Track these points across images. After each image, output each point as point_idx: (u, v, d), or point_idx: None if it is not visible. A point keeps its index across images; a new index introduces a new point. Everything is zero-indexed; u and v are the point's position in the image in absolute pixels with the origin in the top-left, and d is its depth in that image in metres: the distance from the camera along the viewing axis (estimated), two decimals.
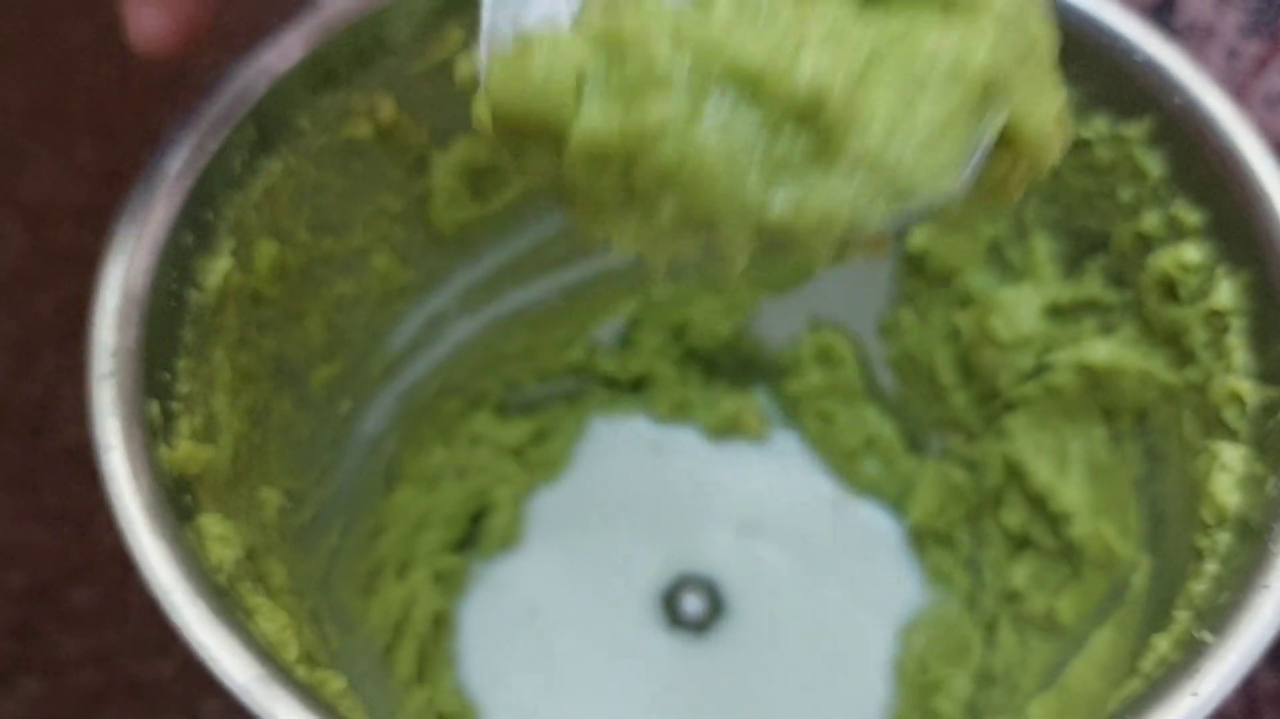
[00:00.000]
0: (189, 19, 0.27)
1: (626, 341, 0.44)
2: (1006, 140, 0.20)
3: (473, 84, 0.21)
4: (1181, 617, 0.26)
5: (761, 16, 0.19)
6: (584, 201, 0.20)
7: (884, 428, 0.43)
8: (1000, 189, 0.21)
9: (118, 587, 0.57)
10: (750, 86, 0.18)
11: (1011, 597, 0.37)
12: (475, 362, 0.40)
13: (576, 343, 0.42)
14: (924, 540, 0.42)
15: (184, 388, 0.27)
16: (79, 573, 0.57)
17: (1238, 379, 0.29)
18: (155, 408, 0.26)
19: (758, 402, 0.45)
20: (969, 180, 0.19)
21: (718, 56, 0.19)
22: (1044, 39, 0.20)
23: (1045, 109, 0.20)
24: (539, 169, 0.21)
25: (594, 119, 0.19)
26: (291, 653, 0.25)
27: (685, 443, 0.45)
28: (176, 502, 0.25)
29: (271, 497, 0.31)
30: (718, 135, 0.19)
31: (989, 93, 0.19)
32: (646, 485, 0.44)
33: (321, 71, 0.30)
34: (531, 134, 0.20)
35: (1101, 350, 0.33)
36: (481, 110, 0.21)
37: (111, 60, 0.77)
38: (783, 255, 0.21)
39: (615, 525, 0.43)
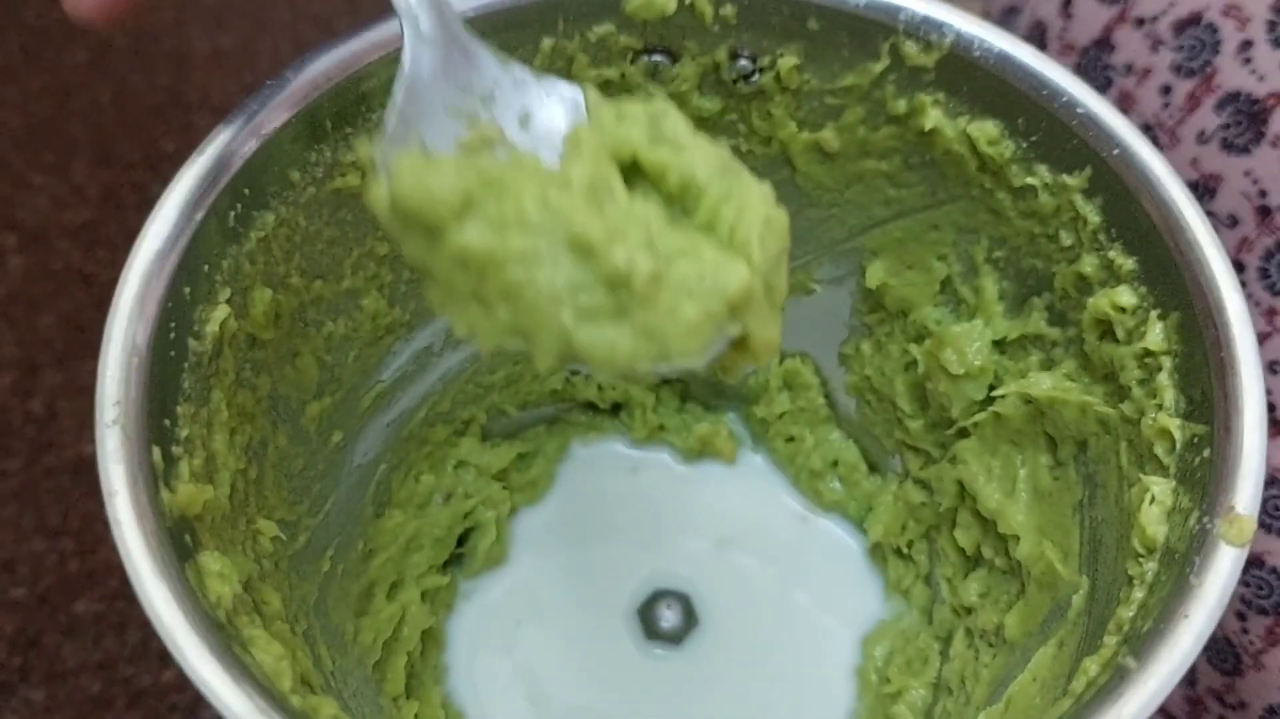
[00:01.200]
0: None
1: None
2: (739, 342, 0.26)
3: (370, 165, 0.27)
4: (1110, 641, 0.28)
5: (604, 201, 0.25)
6: (441, 287, 0.26)
7: (847, 451, 0.45)
8: (729, 368, 0.27)
9: (117, 597, 0.58)
10: (584, 253, 0.24)
11: (965, 610, 0.39)
12: (460, 392, 0.41)
13: (556, 372, 0.44)
14: (884, 556, 0.44)
15: (184, 432, 0.29)
16: (80, 584, 0.59)
17: (1167, 417, 0.30)
18: (157, 454, 0.28)
19: (728, 425, 0.47)
20: (710, 359, 0.25)
21: (568, 223, 0.24)
22: (781, 289, 0.27)
23: (768, 333, 0.26)
24: (414, 252, 0.26)
25: (470, 235, 0.24)
26: (286, 682, 0.27)
27: (660, 464, 0.47)
28: (178, 542, 0.27)
29: (267, 528, 0.32)
30: (551, 276, 0.24)
31: (734, 312, 0.25)
32: (624, 505, 0.45)
33: (309, 128, 0.32)
34: (417, 226, 0.25)
35: (1045, 383, 0.35)
36: (379, 192, 0.26)
37: (107, 83, 0.78)
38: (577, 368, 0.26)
39: (595, 543, 0.44)
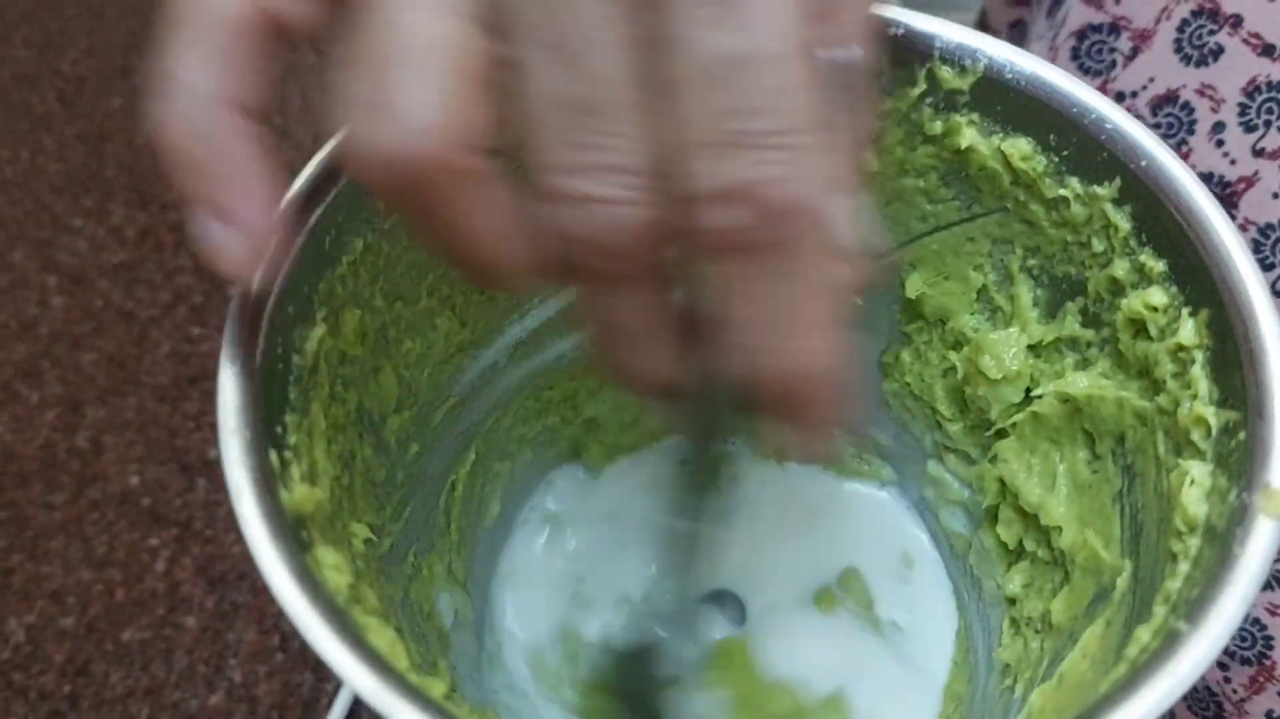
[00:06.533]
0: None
1: None
2: None
3: None
4: (1160, 610, 0.30)
5: None
6: None
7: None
8: None
9: (164, 625, 0.60)
10: None
11: (1010, 601, 0.41)
12: (521, 407, 0.44)
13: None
14: None
15: (292, 439, 0.31)
16: (127, 613, 0.60)
17: (1202, 406, 0.32)
18: (274, 457, 0.30)
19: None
20: None
21: None
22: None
23: None
24: None
25: None
26: (402, 663, 0.29)
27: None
28: (296, 537, 0.29)
29: (359, 530, 0.34)
30: None
31: None
32: None
33: None
34: None
35: (1081, 382, 0.37)
36: None
37: (141, 128, 0.81)
38: None
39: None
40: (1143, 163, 0.34)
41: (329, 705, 0.56)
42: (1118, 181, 0.35)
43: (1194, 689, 0.42)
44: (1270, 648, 0.40)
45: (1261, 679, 0.40)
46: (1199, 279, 0.33)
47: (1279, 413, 0.30)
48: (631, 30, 0.21)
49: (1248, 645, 0.40)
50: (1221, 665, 0.41)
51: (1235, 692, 0.41)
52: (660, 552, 0.33)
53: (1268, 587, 0.40)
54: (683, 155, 0.21)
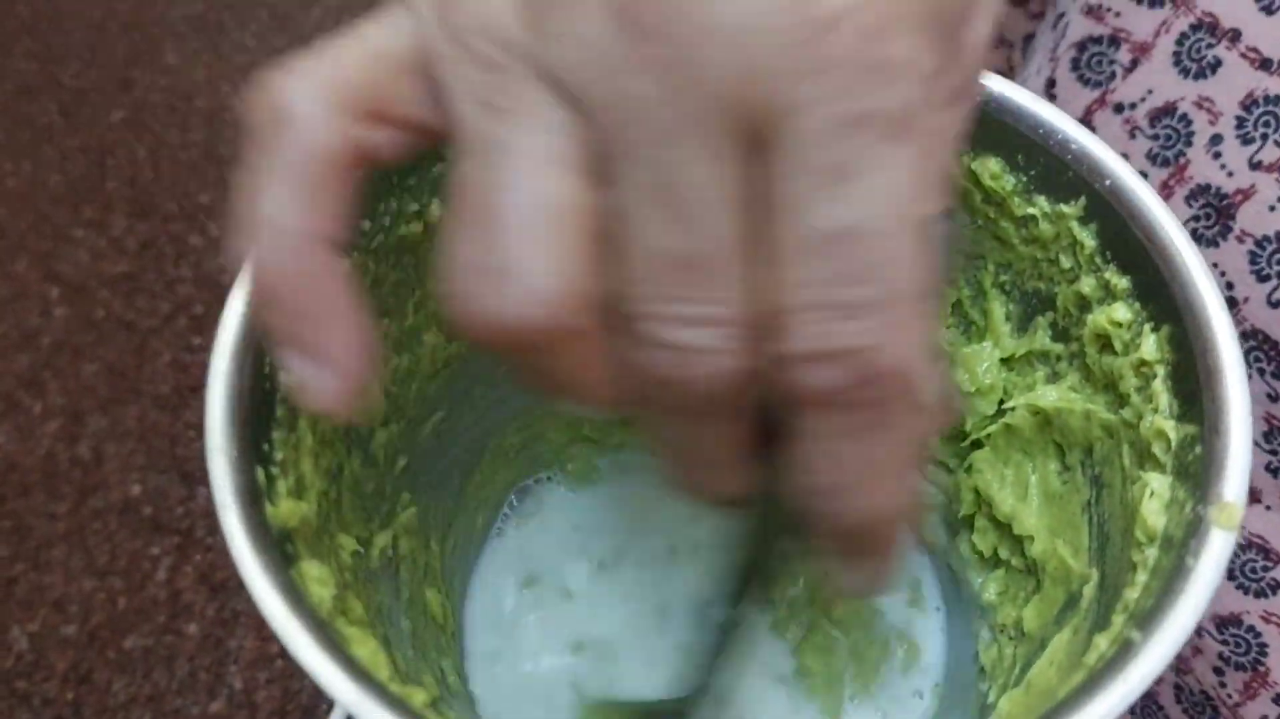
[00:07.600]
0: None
1: None
2: None
3: None
4: (1118, 619, 0.30)
5: None
6: None
7: None
8: None
9: (165, 633, 0.61)
10: None
11: (986, 608, 0.42)
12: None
13: None
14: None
15: (279, 455, 0.32)
16: (129, 621, 0.61)
17: (1163, 419, 0.33)
18: (260, 473, 0.31)
19: None
20: None
21: None
22: None
23: None
24: None
25: None
26: (384, 673, 0.30)
27: None
28: (282, 550, 0.30)
29: (347, 543, 0.35)
30: None
31: None
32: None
33: (379, 180, 0.35)
34: None
35: (1051, 395, 0.38)
36: None
37: (143, 140, 0.82)
38: None
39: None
40: (1107, 182, 0.35)
41: (328, 712, 0.57)
42: (1083, 200, 0.35)
43: (1190, 692, 0.43)
44: (1265, 654, 0.40)
45: (1256, 685, 0.40)
46: (1160, 296, 0.34)
47: (1234, 428, 0.31)
48: (740, 188, 0.21)
49: (1243, 652, 0.40)
50: (1217, 671, 0.41)
51: (1230, 696, 0.41)
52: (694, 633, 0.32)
53: (1262, 594, 0.40)
54: (785, 315, 0.21)
